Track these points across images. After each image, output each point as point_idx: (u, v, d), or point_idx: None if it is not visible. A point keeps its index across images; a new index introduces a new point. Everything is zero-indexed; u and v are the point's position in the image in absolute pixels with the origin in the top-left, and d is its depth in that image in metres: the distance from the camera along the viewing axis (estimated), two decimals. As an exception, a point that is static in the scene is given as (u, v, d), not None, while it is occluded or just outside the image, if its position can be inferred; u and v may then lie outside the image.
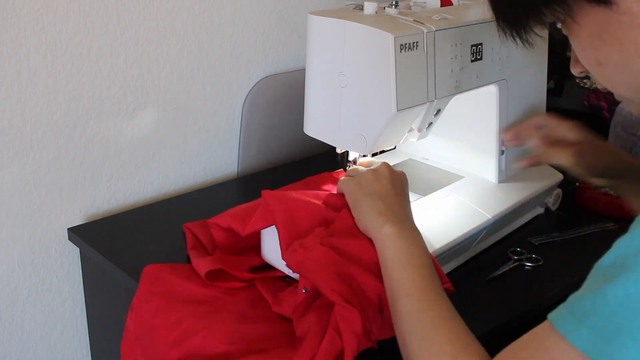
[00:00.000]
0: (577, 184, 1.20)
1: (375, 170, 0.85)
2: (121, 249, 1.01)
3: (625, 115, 1.34)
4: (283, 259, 0.80)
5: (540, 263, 1.00)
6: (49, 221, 1.10)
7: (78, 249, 1.09)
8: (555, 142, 0.98)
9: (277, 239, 0.82)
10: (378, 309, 0.77)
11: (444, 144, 1.13)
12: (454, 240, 0.93)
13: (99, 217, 1.14)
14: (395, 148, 1.22)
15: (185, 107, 1.21)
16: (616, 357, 0.50)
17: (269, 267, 0.90)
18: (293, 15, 1.31)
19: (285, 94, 1.31)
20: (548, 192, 1.14)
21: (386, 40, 0.82)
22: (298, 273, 0.79)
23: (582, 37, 0.64)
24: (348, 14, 0.88)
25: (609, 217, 1.14)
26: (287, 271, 0.86)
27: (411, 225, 0.79)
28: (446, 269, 0.96)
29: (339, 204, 0.85)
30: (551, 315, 0.56)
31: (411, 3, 0.98)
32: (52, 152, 1.07)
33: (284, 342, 0.78)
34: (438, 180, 1.10)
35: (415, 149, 1.18)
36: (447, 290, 0.80)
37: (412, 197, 0.98)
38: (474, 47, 0.95)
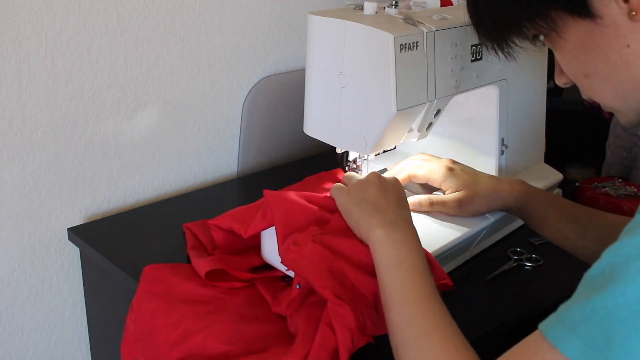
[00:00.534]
0: (577, 184, 1.20)
1: (364, 179, 0.85)
2: (121, 249, 1.01)
3: (625, 115, 1.34)
4: (280, 256, 0.80)
5: (540, 263, 1.00)
6: (49, 221, 1.10)
7: (78, 249, 1.09)
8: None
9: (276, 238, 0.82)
10: (372, 305, 0.77)
11: (444, 144, 1.13)
12: (454, 240, 0.93)
13: (99, 217, 1.14)
14: (395, 148, 1.22)
15: (185, 107, 1.21)
16: None
17: (269, 267, 0.90)
18: (293, 15, 1.31)
19: (285, 94, 1.31)
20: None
21: (386, 40, 0.82)
22: (292, 270, 0.79)
23: (566, 51, 0.64)
24: (348, 14, 0.88)
25: (608, 217, 1.14)
26: (287, 271, 0.86)
27: (405, 229, 0.77)
28: (446, 269, 0.96)
29: (335, 207, 0.85)
30: (542, 325, 0.55)
31: (411, 3, 0.98)
32: (52, 152, 1.07)
33: (284, 342, 0.78)
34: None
35: (415, 149, 1.18)
36: (446, 286, 0.80)
37: (412, 197, 0.98)
38: (474, 47, 0.95)
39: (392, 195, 0.82)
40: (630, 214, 1.04)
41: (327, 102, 0.91)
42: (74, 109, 1.07)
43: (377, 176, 0.85)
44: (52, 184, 1.08)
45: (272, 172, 1.32)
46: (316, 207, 0.85)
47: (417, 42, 0.85)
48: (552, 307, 0.56)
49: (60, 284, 1.15)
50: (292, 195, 0.86)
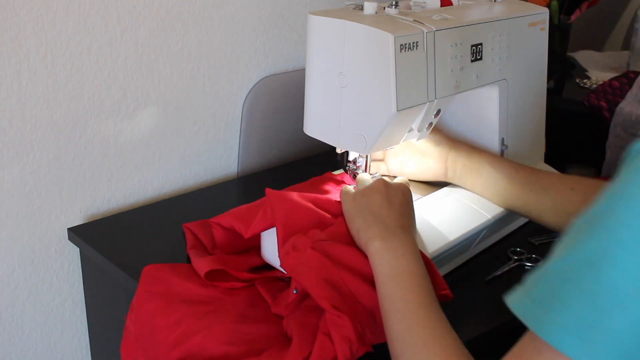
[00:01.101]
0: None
1: (370, 186, 0.85)
2: (121, 249, 1.01)
3: (625, 115, 1.34)
4: (279, 259, 0.80)
5: (540, 263, 0.99)
6: (49, 221, 1.10)
7: (78, 249, 1.09)
8: None
9: (277, 239, 0.82)
10: (371, 314, 0.77)
11: (444, 144, 1.13)
12: (454, 240, 0.93)
13: (99, 217, 1.14)
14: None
15: (185, 107, 1.21)
16: (554, 323, 0.51)
17: (269, 267, 0.90)
18: (293, 15, 1.31)
19: (285, 94, 1.31)
20: (548, 192, 1.14)
21: (386, 40, 0.82)
22: (291, 276, 0.79)
23: None
24: (348, 14, 0.88)
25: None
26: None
27: (403, 238, 0.77)
28: (446, 269, 0.96)
29: (339, 211, 0.85)
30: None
31: (411, 3, 0.98)
32: (52, 152, 1.07)
33: (284, 343, 0.78)
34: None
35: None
36: (445, 297, 0.80)
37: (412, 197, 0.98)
38: (474, 47, 0.95)
39: (396, 203, 0.82)
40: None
41: (327, 102, 0.91)
42: (74, 109, 1.07)
43: (383, 183, 0.85)
44: (52, 184, 1.08)
45: (272, 172, 1.32)
46: (319, 210, 0.85)
47: (417, 42, 0.85)
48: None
49: (60, 284, 1.15)
50: (295, 196, 0.86)
